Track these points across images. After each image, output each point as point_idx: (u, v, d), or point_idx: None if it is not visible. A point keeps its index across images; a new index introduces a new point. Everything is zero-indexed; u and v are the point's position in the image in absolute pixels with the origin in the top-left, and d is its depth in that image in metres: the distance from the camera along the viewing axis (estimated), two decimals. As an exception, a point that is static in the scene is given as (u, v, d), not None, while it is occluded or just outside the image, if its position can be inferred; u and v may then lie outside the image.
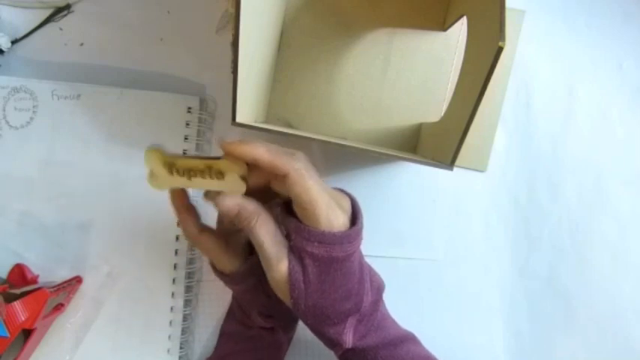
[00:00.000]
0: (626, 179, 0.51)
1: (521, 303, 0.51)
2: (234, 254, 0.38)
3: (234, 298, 0.46)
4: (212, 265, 0.40)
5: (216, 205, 0.32)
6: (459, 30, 0.49)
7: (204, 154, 0.50)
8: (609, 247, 0.51)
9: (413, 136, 0.50)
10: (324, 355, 0.50)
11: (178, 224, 0.46)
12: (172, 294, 0.48)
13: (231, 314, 0.47)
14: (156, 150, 0.33)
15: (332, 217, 0.32)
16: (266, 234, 0.32)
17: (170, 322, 0.48)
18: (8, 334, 0.40)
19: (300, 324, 0.49)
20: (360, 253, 0.36)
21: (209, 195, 0.33)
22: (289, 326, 0.44)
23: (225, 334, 0.48)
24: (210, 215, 0.50)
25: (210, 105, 0.51)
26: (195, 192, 0.48)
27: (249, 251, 0.39)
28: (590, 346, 0.50)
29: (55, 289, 0.44)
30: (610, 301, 0.50)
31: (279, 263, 0.32)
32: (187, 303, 0.49)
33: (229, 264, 0.37)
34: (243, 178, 0.32)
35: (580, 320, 0.50)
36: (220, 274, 0.39)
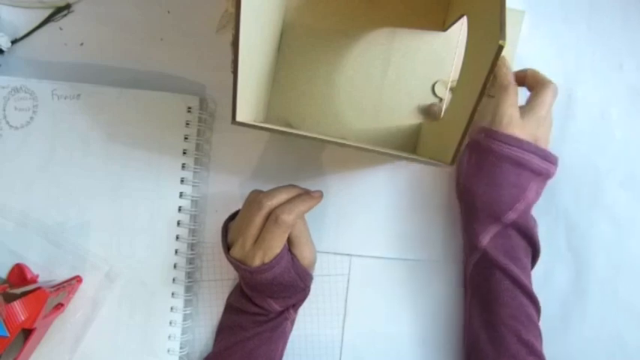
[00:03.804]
0: (624, 180, 0.51)
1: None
2: None
3: (241, 294, 0.46)
4: (240, 263, 0.42)
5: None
6: (459, 30, 0.49)
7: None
8: (605, 249, 0.51)
9: (413, 136, 0.50)
10: (323, 350, 0.50)
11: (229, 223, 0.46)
12: (172, 294, 0.48)
13: (234, 309, 0.47)
14: None
15: (509, 125, 0.42)
16: None
17: (170, 322, 0.48)
18: (8, 334, 0.40)
19: (301, 319, 0.49)
20: (537, 190, 0.43)
21: None
22: (298, 304, 0.47)
23: (226, 328, 0.48)
24: (209, 215, 0.50)
25: (210, 105, 0.51)
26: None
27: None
28: (585, 346, 0.50)
29: (55, 288, 0.44)
30: (605, 302, 0.50)
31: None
32: (187, 303, 0.49)
33: (277, 249, 0.41)
34: None
35: (575, 321, 0.50)
36: (259, 267, 0.41)
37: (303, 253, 0.44)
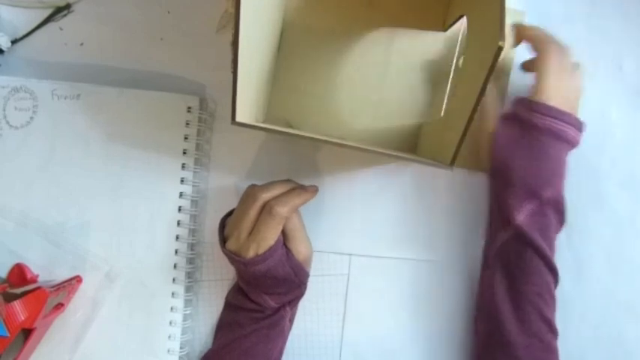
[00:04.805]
0: (623, 180, 0.51)
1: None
2: None
3: (238, 290, 0.46)
4: (234, 255, 0.42)
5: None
6: (459, 30, 0.49)
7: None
8: (605, 248, 0.51)
9: (413, 136, 0.50)
10: (323, 349, 0.50)
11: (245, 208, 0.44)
12: (172, 294, 0.48)
13: (232, 306, 0.47)
14: None
15: (551, 96, 0.41)
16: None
17: (170, 322, 0.48)
18: (8, 334, 0.40)
19: (301, 319, 0.49)
20: (566, 163, 0.43)
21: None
22: (295, 301, 0.47)
23: (224, 325, 0.48)
24: (209, 215, 0.50)
25: (210, 104, 0.51)
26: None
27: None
28: (585, 345, 0.50)
29: (55, 288, 0.44)
30: (604, 301, 0.51)
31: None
32: (187, 303, 0.49)
33: (271, 240, 0.41)
34: None
35: (574, 320, 0.50)
36: (252, 258, 0.41)
37: (297, 248, 0.44)
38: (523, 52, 0.50)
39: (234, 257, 0.42)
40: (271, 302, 0.44)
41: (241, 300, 0.45)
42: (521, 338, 0.42)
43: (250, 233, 0.42)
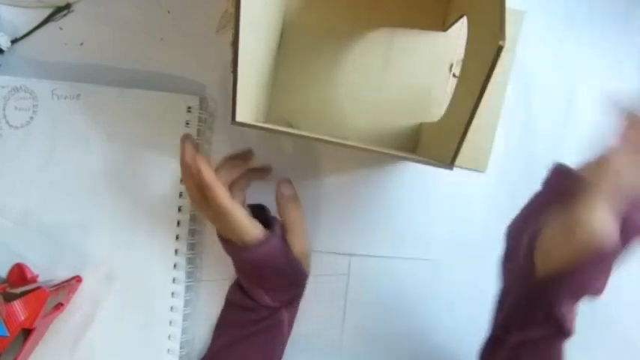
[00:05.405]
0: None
1: (521, 303, 0.51)
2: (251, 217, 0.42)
3: (237, 286, 0.46)
4: (227, 241, 0.43)
5: None
6: (459, 30, 0.49)
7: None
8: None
9: (413, 136, 0.50)
10: (323, 350, 0.50)
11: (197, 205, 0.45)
12: (172, 294, 0.48)
13: (231, 304, 0.47)
14: None
15: None
16: None
17: (170, 322, 0.48)
18: (8, 334, 0.40)
19: (301, 319, 0.49)
20: None
21: None
22: (293, 303, 0.46)
23: (222, 324, 0.48)
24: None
25: (210, 104, 0.51)
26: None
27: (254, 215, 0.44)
28: (589, 347, 0.50)
29: (55, 288, 0.44)
30: (608, 303, 0.50)
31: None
32: (187, 303, 0.49)
33: (254, 228, 0.41)
34: None
35: (577, 322, 0.50)
36: (243, 244, 0.41)
37: (293, 242, 0.44)
38: (522, 52, 0.50)
39: (227, 245, 0.43)
40: (267, 299, 0.44)
41: (239, 296, 0.45)
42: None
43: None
